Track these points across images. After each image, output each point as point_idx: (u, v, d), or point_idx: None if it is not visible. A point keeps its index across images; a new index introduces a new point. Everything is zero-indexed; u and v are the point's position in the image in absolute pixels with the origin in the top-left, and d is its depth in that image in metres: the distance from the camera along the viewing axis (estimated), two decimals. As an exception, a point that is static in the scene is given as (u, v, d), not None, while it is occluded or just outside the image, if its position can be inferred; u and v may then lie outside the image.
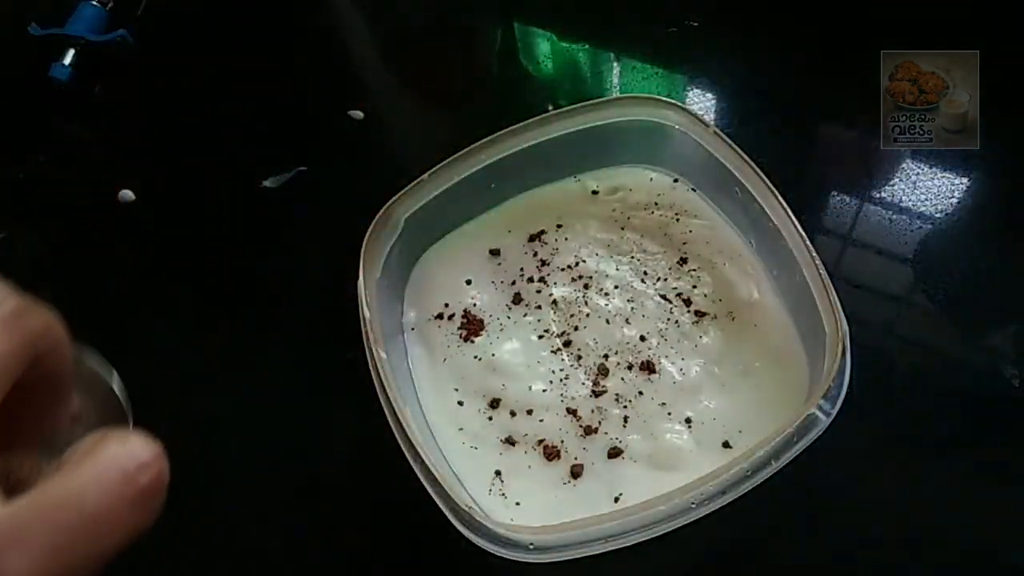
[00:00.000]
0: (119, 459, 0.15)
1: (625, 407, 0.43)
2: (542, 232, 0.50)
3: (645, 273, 0.48)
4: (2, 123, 0.64)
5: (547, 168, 0.50)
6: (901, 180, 0.54)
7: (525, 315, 0.47)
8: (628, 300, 0.47)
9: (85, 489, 0.15)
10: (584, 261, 0.48)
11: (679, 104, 0.47)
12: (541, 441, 0.42)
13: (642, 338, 0.45)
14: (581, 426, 0.42)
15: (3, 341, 0.15)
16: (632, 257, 0.48)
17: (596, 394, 0.43)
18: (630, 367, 0.44)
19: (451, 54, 0.69)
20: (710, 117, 0.58)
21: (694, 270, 0.48)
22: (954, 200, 0.53)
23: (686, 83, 0.62)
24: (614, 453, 0.41)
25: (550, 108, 0.60)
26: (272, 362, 0.48)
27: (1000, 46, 0.58)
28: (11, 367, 0.15)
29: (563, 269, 0.48)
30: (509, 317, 0.47)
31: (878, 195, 0.53)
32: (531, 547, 0.34)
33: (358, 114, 0.61)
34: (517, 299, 0.47)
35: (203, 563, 0.43)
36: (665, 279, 0.47)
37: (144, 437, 0.16)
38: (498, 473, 0.41)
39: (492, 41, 0.69)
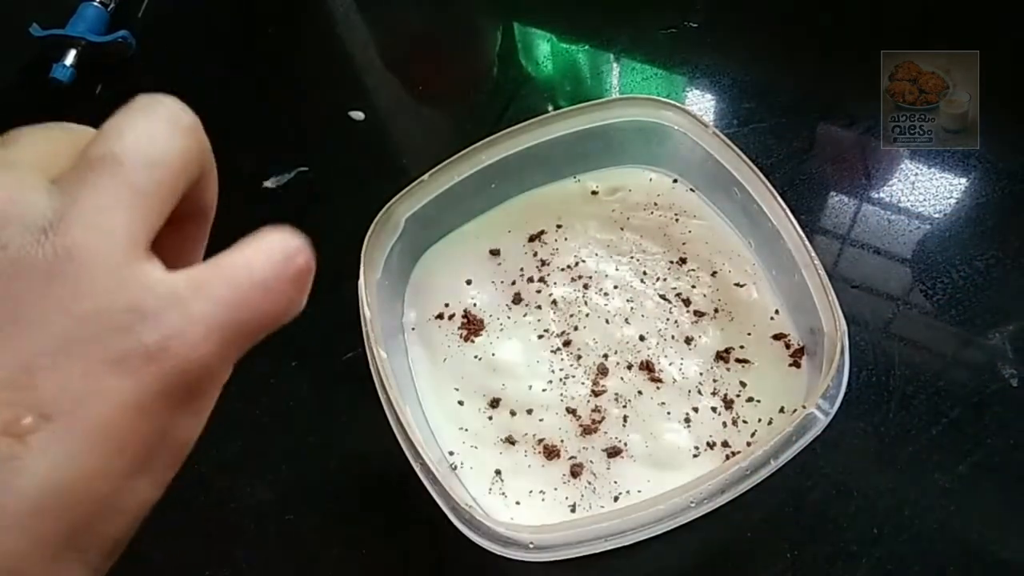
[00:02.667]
0: (279, 242, 0.17)
1: (624, 407, 0.43)
2: (542, 232, 0.50)
3: (644, 273, 0.48)
4: (3, 124, 0.64)
5: (547, 168, 0.51)
6: (900, 180, 0.54)
7: (525, 315, 0.47)
8: (628, 300, 0.47)
9: (254, 260, 0.17)
10: (584, 261, 0.49)
11: (679, 104, 0.47)
12: (541, 440, 0.42)
13: (641, 338, 0.45)
14: (581, 425, 0.42)
15: (188, 147, 0.17)
16: (632, 257, 0.49)
17: (596, 394, 0.43)
18: (630, 367, 0.44)
19: (451, 54, 0.69)
20: (710, 117, 0.59)
21: (693, 270, 0.48)
22: (953, 200, 0.53)
23: (686, 83, 0.62)
24: (614, 452, 0.41)
25: (550, 109, 0.60)
26: (272, 362, 0.48)
27: (1000, 46, 0.58)
28: (192, 171, 0.17)
29: (563, 269, 0.48)
30: (509, 317, 0.47)
31: (877, 195, 0.53)
32: (531, 546, 0.34)
33: (358, 114, 0.61)
34: (517, 299, 0.47)
35: (201, 562, 0.43)
36: (664, 279, 0.47)
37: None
38: (498, 472, 0.41)
39: (492, 41, 0.69)
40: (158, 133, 0.16)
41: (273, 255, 0.17)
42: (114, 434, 0.14)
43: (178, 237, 0.19)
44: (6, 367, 0.13)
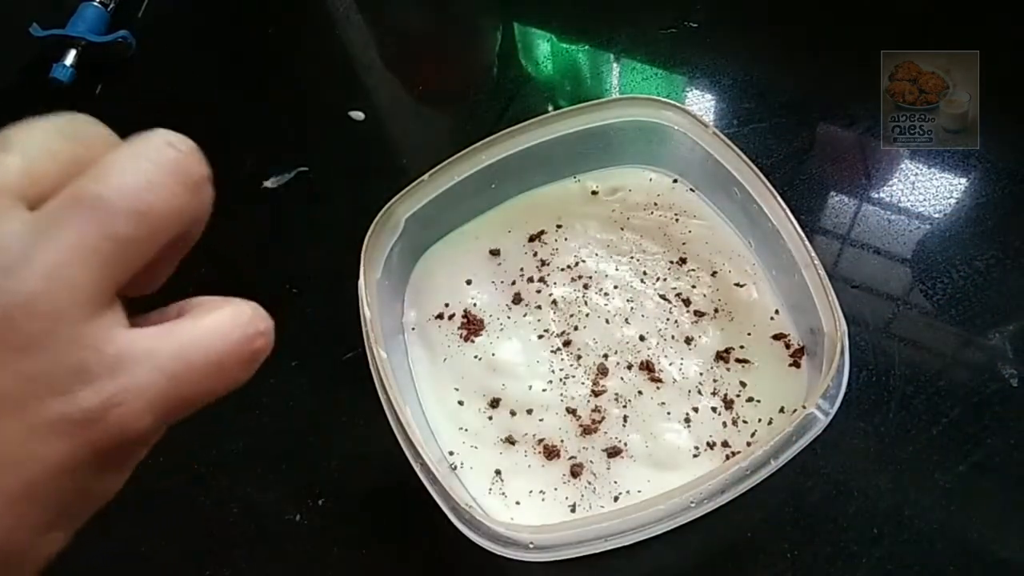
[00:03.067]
0: (240, 321, 0.17)
1: (624, 407, 0.43)
2: (542, 232, 0.50)
3: (644, 273, 0.48)
4: (3, 124, 0.64)
5: (547, 168, 0.51)
6: (900, 180, 0.54)
7: (525, 315, 0.47)
8: (628, 300, 0.47)
9: (212, 336, 0.16)
10: (584, 261, 0.48)
11: (678, 105, 0.47)
12: (541, 440, 0.42)
13: (641, 338, 0.45)
14: (581, 425, 0.42)
15: (188, 205, 0.16)
16: (632, 257, 0.49)
17: (596, 394, 0.43)
18: (629, 367, 0.44)
19: (451, 54, 0.69)
20: (709, 117, 0.59)
21: (693, 270, 0.48)
22: (953, 200, 0.53)
23: (686, 83, 0.62)
24: (613, 452, 0.41)
25: (550, 109, 0.60)
26: (272, 362, 0.48)
27: (1000, 46, 0.58)
28: (184, 227, 0.16)
29: (563, 269, 0.48)
30: (509, 317, 0.47)
31: (877, 195, 0.53)
32: (531, 546, 0.34)
33: (358, 114, 0.61)
34: (517, 299, 0.47)
35: (201, 562, 0.43)
36: (664, 279, 0.47)
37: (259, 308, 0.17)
38: (498, 472, 0.41)
39: (492, 41, 0.69)
40: (159, 184, 0.15)
41: (231, 335, 0.16)
42: (39, 494, 0.14)
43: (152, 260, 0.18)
44: None
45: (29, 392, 0.13)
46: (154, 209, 0.15)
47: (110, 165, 0.15)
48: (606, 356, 0.45)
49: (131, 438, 0.15)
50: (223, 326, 0.16)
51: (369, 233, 0.43)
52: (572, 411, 0.43)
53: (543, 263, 0.49)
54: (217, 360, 0.16)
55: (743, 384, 0.43)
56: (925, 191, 0.53)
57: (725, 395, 0.43)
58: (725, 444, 0.41)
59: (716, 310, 0.46)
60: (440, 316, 0.47)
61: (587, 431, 0.42)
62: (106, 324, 0.14)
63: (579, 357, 0.45)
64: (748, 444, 0.41)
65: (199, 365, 0.15)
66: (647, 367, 0.44)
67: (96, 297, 0.14)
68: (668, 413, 0.43)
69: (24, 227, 0.14)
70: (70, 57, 0.63)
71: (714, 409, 0.43)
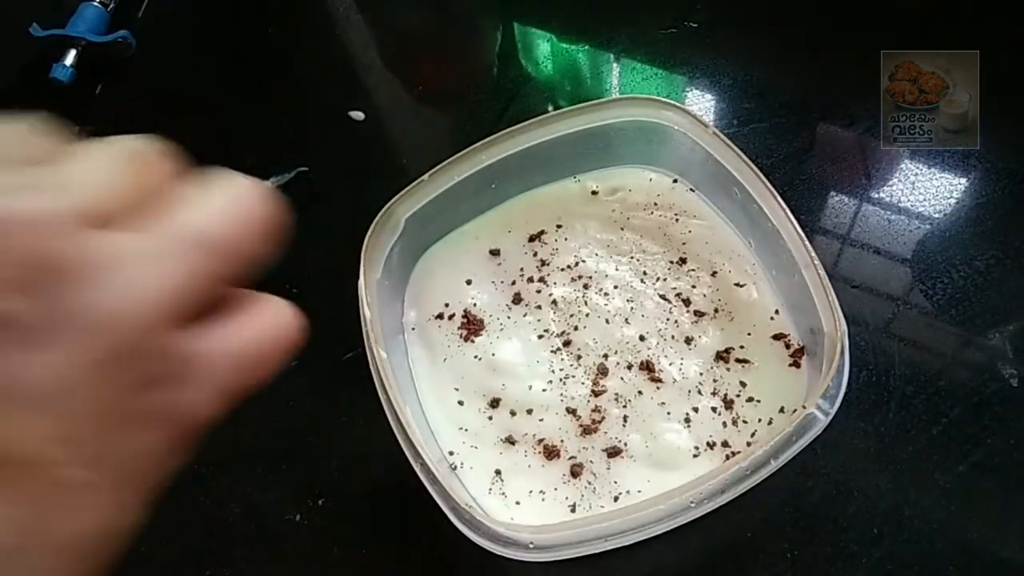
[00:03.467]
0: (286, 318, 0.19)
1: (624, 407, 0.43)
2: (542, 232, 0.50)
3: (644, 273, 0.48)
4: (3, 123, 0.64)
5: (547, 168, 0.51)
6: (900, 180, 0.54)
7: (525, 315, 0.47)
8: (628, 300, 0.47)
9: (262, 334, 0.18)
10: (584, 261, 0.48)
11: (678, 105, 0.47)
12: (541, 440, 0.42)
13: (641, 338, 0.45)
14: (581, 425, 0.42)
15: (269, 245, 0.18)
16: (631, 257, 0.49)
17: (596, 394, 0.44)
18: (629, 367, 0.44)
19: (451, 54, 0.69)
20: (709, 117, 0.59)
21: (693, 270, 0.48)
22: (953, 200, 0.53)
23: (686, 83, 0.62)
24: (614, 452, 0.41)
25: (550, 109, 0.60)
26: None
27: (1000, 46, 0.58)
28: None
29: (563, 269, 0.48)
30: (509, 317, 0.47)
31: (877, 195, 0.53)
32: (531, 546, 0.34)
33: (358, 114, 0.61)
34: (517, 299, 0.47)
35: (201, 562, 0.43)
36: (664, 279, 0.47)
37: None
38: (498, 472, 0.41)
39: (492, 41, 0.69)
40: (250, 226, 0.18)
41: (279, 333, 0.18)
42: (134, 481, 0.16)
43: None
44: (63, 429, 0.14)
45: (125, 392, 0.15)
46: (244, 250, 0.17)
47: (208, 203, 0.17)
48: (606, 356, 0.45)
49: (199, 428, 0.17)
50: (270, 324, 0.18)
51: (369, 233, 0.43)
52: (572, 411, 0.43)
53: (543, 263, 0.49)
54: (266, 354, 0.18)
55: (743, 384, 0.43)
56: (925, 191, 0.53)
57: (725, 395, 0.43)
58: (725, 444, 0.41)
59: (716, 310, 0.46)
60: (440, 316, 0.47)
61: (587, 431, 0.42)
62: (184, 332, 0.16)
63: (579, 357, 0.45)
64: (748, 444, 0.41)
65: (250, 360, 0.17)
66: (647, 367, 0.44)
67: (179, 312, 0.16)
68: (668, 413, 0.43)
69: (116, 251, 0.15)
70: (70, 57, 0.63)
71: (714, 409, 0.43)
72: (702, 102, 0.60)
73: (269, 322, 0.18)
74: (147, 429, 0.15)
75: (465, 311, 0.47)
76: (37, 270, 0.14)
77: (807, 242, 0.41)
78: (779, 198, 0.43)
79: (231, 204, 0.17)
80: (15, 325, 0.14)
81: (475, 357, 0.45)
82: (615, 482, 0.41)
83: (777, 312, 0.45)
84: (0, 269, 0.13)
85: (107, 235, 0.15)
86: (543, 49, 0.66)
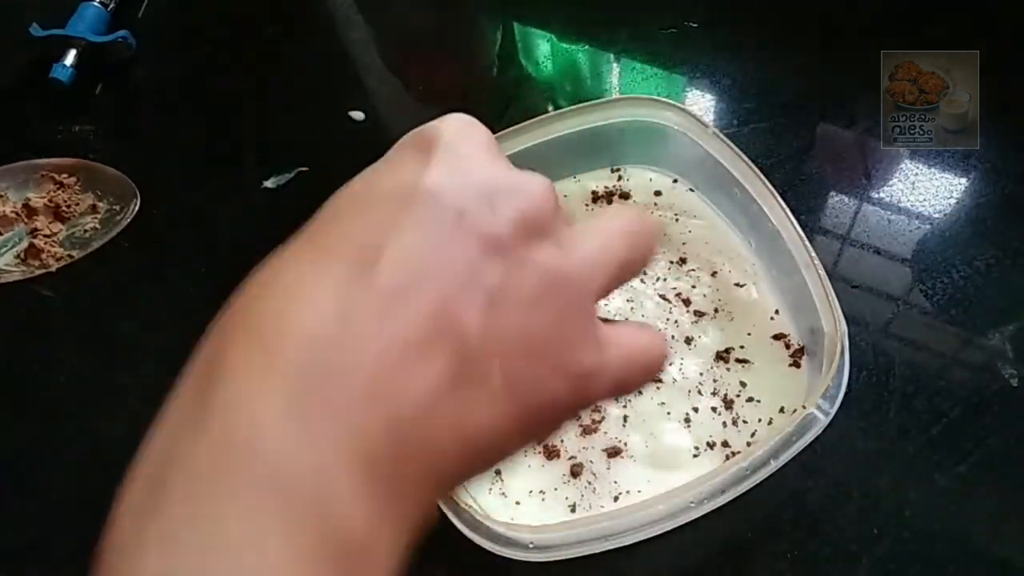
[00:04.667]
0: (661, 346, 0.21)
1: (625, 406, 0.43)
2: (542, 232, 0.50)
3: (644, 273, 0.48)
4: (3, 124, 0.64)
5: (547, 168, 0.50)
6: (900, 180, 0.54)
7: (525, 315, 0.47)
8: (627, 300, 0.47)
9: (648, 348, 0.21)
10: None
11: (678, 104, 0.48)
12: (541, 440, 0.42)
13: (642, 338, 0.45)
14: (580, 425, 0.42)
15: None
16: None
17: (596, 394, 0.43)
18: (630, 367, 0.44)
19: (451, 54, 0.69)
20: (709, 117, 0.59)
21: (693, 270, 0.48)
22: (953, 200, 0.53)
23: (686, 83, 0.62)
24: (614, 452, 0.41)
25: (550, 109, 0.60)
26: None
27: (1000, 46, 0.58)
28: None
29: (563, 269, 0.48)
30: (509, 317, 0.47)
31: (877, 195, 0.53)
32: (531, 546, 0.34)
33: (358, 114, 0.61)
34: (517, 299, 0.47)
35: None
36: (664, 279, 0.47)
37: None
38: (498, 472, 0.41)
39: (492, 41, 0.69)
40: (648, 242, 0.21)
41: (656, 354, 0.21)
42: (536, 423, 0.19)
43: None
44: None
45: (561, 342, 0.18)
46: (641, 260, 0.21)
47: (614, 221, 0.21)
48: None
49: (591, 403, 0.19)
50: (652, 344, 0.21)
51: (369, 233, 0.43)
52: (572, 411, 0.43)
53: (543, 263, 0.49)
54: (647, 366, 0.20)
55: (743, 384, 0.43)
56: (925, 191, 0.53)
57: (725, 395, 0.43)
58: (725, 444, 0.41)
59: (716, 310, 0.46)
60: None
61: (587, 431, 0.42)
62: (600, 325, 0.19)
63: (579, 357, 0.45)
64: (748, 444, 0.41)
65: (637, 365, 0.20)
66: (647, 367, 0.44)
67: (601, 294, 0.19)
68: (668, 413, 0.43)
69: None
70: (70, 57, 0.63)
71: (714, 409, 0.43)
72: (702, 102, 0.60)
73: (650, 340, 0.21)
74: (564, 379, 0.18)
75: (465, 311, 0.47)
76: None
77: (807, 242, 0.41)
78: (779, 198, 0.43)
79: (633, 224, 0.21)
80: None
81: (475, 357, 0.45)
82: (615, 482, 0.41)
83: (777, 312, 0.45)
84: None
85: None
86: (543, 49, 0.66)
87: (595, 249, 0.19)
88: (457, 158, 0.18)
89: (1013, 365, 0.45)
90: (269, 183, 0.58)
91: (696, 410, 0.42)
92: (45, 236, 0.56)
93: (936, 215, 0.52)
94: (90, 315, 0.53)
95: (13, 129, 0.64)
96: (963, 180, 0.54)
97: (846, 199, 0.53)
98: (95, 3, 0.66)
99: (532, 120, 0.47)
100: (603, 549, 0.34)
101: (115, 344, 0.51)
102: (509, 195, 0.18)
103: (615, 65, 0.64)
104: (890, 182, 0.54)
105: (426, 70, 0.67)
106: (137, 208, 0.56)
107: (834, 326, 0.38)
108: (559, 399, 0.18)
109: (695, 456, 0.41)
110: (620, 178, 0.52)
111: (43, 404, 0.49)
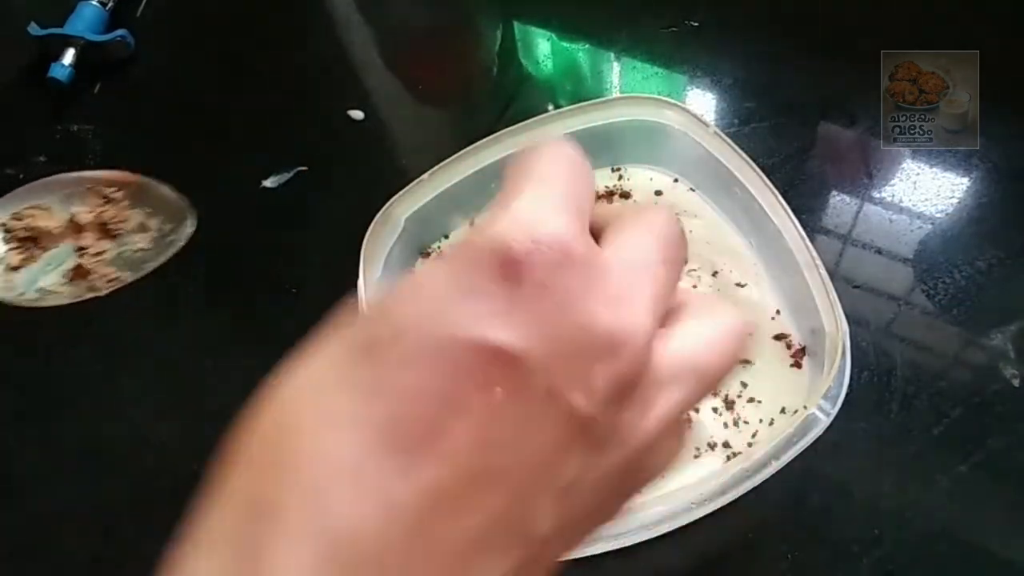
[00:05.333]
0: (739, 329, 0.18)
1: (625, 407, 0.43)
2: (542, 232, 0.50)
3: (645, 273, 0.48)
4: (2, 123, 0.64)
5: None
6: (901, 180, 0.54)
7: (525, 315, 0.47)
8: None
9: (721, 338, 0.18)
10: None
11: (679, 104, 0.47)
12: (541, 441, 0.42)
13: (642, 338, 0.45)
14: (581, 426, 0.42)
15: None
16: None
17: (596, 394, 0.43)
18: (630, 367, 0.44)
19: (451, 54, 0.69)
20: (710, 117, 0.58)
21: (694, 270, 0.47)
22: (954, 200, 0.53)
23: (686, 83, 0.62)
24: (614, 453, 0.41)
25: (550, 108, 0.60)
26: (272, 362, 0.48)
27: (1000, 46, 0.58)
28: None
29: (563, 269, 0.48)
30: (509, 317, 0.47)
31: (878, 195, 0.53)
32: (531, 547, 0.34)
33: (358, 114, 0.61)
34: (517, 299, 0.47)
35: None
36: (665, 279, 0.47)
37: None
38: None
39: (492, 41, 0.69)
40: (678, 250, 0.18)
41: (734, 344, 0.18)
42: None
43: None
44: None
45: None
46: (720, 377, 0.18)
47: (666, 223, 0.18)
48: (606, 356, 0.45)
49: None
50: (727, 336, 0.18)
51: (369, 233, 0.43)
52: (572, 411, 0.43)
53: (543, 263, 0.49)
54: (720, 368, 0.18)
55: (744, 384, 0.43)
56: (927, 191, 0.53)
57: (726, 396, 0.43)
58: (726, 445, 0.41)
59: (717, 310, 0.46)
60: (440, 316, 0.47)
61: (587, 431, 0.42)
62: (658, 344, 0.16)
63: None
64: (749, 445, 0.41)
65: (709, 375, 0.18)
66: (648, 367, 0.44)
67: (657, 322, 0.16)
68: (669, 413, 0.42)
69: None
70: (68, 56, 0.63)
71: (715, 410, 0.42)
72: (703, 101, 0.60)
73: (728, 335, 0.18)
74: (630, 407, 0.16)
75: (465, 311, 0.47)
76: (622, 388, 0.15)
77: (808, 242, 0.41)
78: (780, 198, 0.43)
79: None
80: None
81: (475, 357, 0.45)
82: (616, 483, 0.40)
83: (778, 312, 0.45)
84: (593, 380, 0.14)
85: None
86: (543, 48, 0.66)
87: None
88: (551, 295, 0.14)
89: (1015, 365, 0.45)
90: (269, 183, 0.57)
91: (697, 411, 0.42)
92: (93, 255, 0.52)
93: (938, 215, 0.52)
94: (89, 314, 0.53)
95: (11, 129, 0.64)
96: (965, 180, 0.54)
97: (847, 199, 0.53)
98: (94, 2, 0.66)
99: (532, 120, 0.47)
100: (603, 550, 0.34)
101: (115, 346, 0.51)
102: (609, 354, 0.15)
103: (616, 64, 0.64)
104: (892, 182, 0.54)
105: (426, 70, 0.66)
106: (193, 230, 0.53)
107: (835, 326, 0.38)
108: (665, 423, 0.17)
109: (696, 457, 0.41)
110: (621, 177, 0.52)
111: (43, 404, 0.49)
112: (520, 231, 0.15)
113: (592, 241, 0.16)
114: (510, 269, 0.14)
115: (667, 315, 0.17)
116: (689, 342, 0.17)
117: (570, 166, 0.17)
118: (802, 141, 0.56)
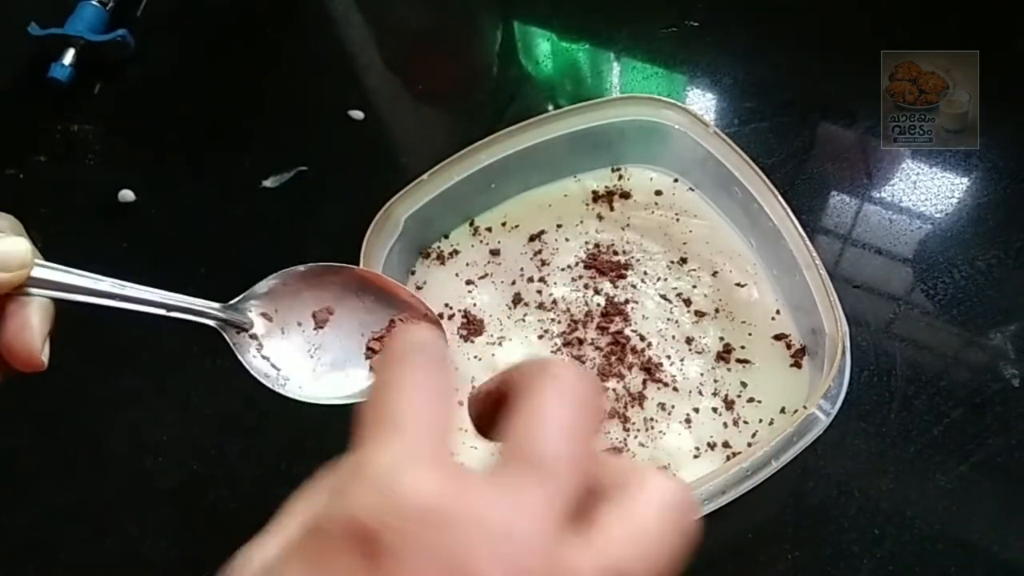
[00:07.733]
0: (681, 500, 0.16)
1: (625, 407, 0.43)
2: (542, 232, 0.50)
3: (645, 273, 0.48)
4: (2, 123, 0.64)
5: (547, 168, 0.50)
6: (901, 180, 0.54)
7: (525, 315, 0.47)
8: (628, 301, 0.47)
9: (647, 526, 0.16)
10: (584, 261, 0.48)
11: (679, 104, 0.47)
12: (541, 441, 0.42)
13: (642, 338, 0.45)
14: (581, 426, 0.42)
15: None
16: (632, 257, 0.48)
17: (596, 394, 0.43)
18: (630, 367, 0.44)
19: (451, 53, 0.69)
20: (710, 117, 0.58)
21: (694, 270, 0.48)
22: (954, 200, 0.53)
23: (686, 83, 0.62)
24: (615, 453, 0.41)
25: (550, 108, 0.60)
26: (272, 362, 0.48)
27: (1000, 46, 0.58)
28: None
29: (563, 269, 0.48)
30: (509, 317, 0.47)
31: (878, 195, 0.53)
32: (531, 547, 0.34)
33: (358, 114, 0.61)
34: (517, 299, 0.47)
35: (201, 562, 0.43)
36: (665, 279, 0.47)
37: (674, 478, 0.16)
38: (498, 473, 0.41)
39: (492, 41, 0.69)
40: (582, 432, 0.16)
41: (667, 517, 0.16)
42: None
43: None
44: None
45: None
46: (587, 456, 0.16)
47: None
48: (607, 356, 0.45)
49: None
50: (656, 511, 0.16)
51: (369, 233, 0.43)
52: (572, 411, 0.43)
53: (543, 263, 0.49)
54: (654, 551, 0.16)
55: (744, 384, 0.43)
56: (926, 191, 0.53)
57: (726, 396, 0.43)
58: (726, 445, 0.41)
59: (717, 310, 0.46)
60: (440, 316, 0.47)
61: (588, 431, 0.42)
62: (566, 549, 0.15)
63: (579, 357, 0.45)
64: (749, 445, 0.41)
65: (639, 559, 0.16)
66: (648, 367, 0.44)
67: (561, 524, 0.15)
68: (669, 414, 0.42)
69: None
70: (69, 56, 0.63)
71: (715, 410, 0.42)
72: (703, 101, 0.60)
73: (662, 508, 0.17)
74: None
75: (465, 312, 0.47)
76: None
77: (808, 242, 0.41)
78: (780, 198, 0.43)
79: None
80: None
81: (475, 358, 0.45)
82: (616, 483, 0.40)
83: (778, 312, 0.45)
84: None
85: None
86: (543, 48, 0.66)
87: None
88: (415, 565, 0.13)
89: (1014, 365, 0.45)
90: (269, 182, 0.57)
91: (697, 410, 0.42)
92: None
93: (937, 215, 0.52)
94: (89, 316, 0.53)
95: (11, 129, 0.64)
96: (964, 180, 0.54)
97: (847, 199, 0.53)
98: (94, 2, 0.66)
99: (532, 119, 0.47)
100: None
101: (115, 346, 0.51)
102: None
103: (616, 64, 0.64)
104: (891, 182, 0.54)
105: (426, 69, 0.66)
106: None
107: (835, 326, 0.38)
108: None
109: (696, 457, 0.41)
110: (621, 177, 0.52)
111: (43, 404, 0.49)
112: (373, 500, 0.14)
113: (466, 478, 0.15)
114: (367, 547, 0.13)
115: (587, 497, 0.16)
116: (614, 547, 0.15)
117: (439, 398, 0.16)
118: (802, 141, 0.56)
